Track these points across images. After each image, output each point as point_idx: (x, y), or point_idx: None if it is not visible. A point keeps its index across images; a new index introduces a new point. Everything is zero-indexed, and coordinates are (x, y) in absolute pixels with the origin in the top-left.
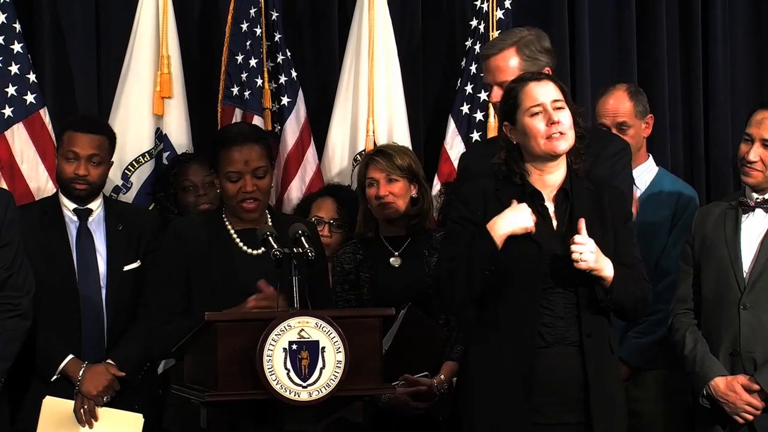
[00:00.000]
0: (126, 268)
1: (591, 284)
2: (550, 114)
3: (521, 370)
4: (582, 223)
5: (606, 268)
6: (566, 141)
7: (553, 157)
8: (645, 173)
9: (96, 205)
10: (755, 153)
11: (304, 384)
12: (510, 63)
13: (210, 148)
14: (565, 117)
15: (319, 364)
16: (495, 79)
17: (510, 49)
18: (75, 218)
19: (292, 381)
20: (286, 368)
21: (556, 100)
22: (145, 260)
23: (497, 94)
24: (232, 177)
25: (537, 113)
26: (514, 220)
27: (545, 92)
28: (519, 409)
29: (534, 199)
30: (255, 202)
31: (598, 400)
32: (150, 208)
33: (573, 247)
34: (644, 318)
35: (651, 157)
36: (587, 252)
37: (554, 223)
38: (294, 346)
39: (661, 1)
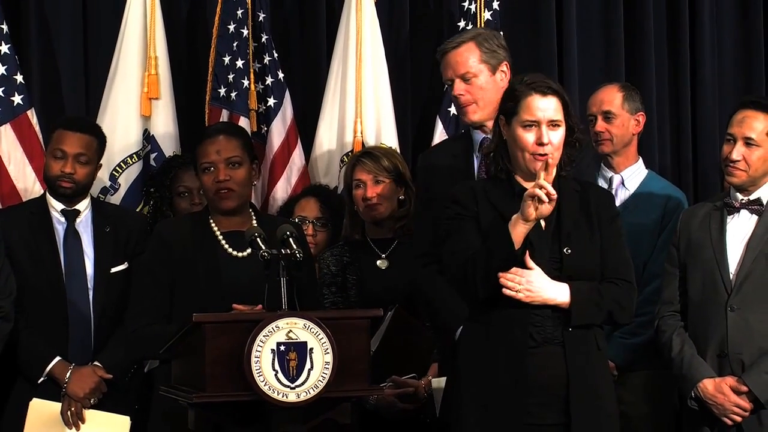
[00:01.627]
0: (113, 270)
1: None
2: (541, 133)
3: (512, 370)
4: (527, 256)
5: (558, 297)
6: (549, 163)
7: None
8: (634, 175)
9: (83, 207)
10: (738, 152)
11: (292, 385)
12: (469, 54)
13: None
14: (556, 137)
15: (307, 366)
16: (456, 73)
17: (469, 42)
18: (63, 219)
19: (280, 382)
20: (274, 369)
21: (552, 120)
22: (133, 262)
23: (459, 87)
24: (206, 168)
25: (530, 127)
26: (524, 220)
27: (545, 109)
28: (509, 409)
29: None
30: (229, 192)
31: (578, 398)
32: (139, 207)
33: (502, 281)
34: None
35: (641, 160)
36: (524, 289)
37: (542, 223)
38: (282, 348)
39: (649, 4)
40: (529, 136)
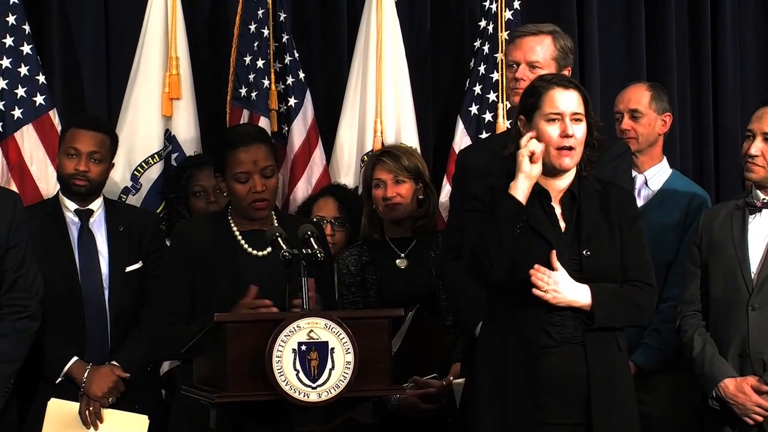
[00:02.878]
0: (128, 269)
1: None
2: (566, 125)
3: (528, 369)
4: (554, 256)
5: (581, 299)
6: (573, 158)
7: (559, 171)
8: (658, 175)
9: (97, 206)
10: (756, 147)
11: (314, 385)
12: (545, 47)
13: (215, 151)
14: (579, 131)
15: (329, 365)
16: (526, 58)
17: (548, 35)
18: (76, 219)
19: (302, 382)
20: (295, 369)
21: (575, 113)
22: (147, 261)
23: (524, 71)
24: (241, 178)
25: (554, 120)
26: (525, 176)
27: (568, 101)
28: (525, 408)
29: (541, 199)
30: (264, 202)
31: (599, 397)
32: (160, 208)
33: (533, 279)
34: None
35: (665, 159)
36: (552, 290)
37: (561, 224)
38: (303, 347)
39: (671, 5)
40: (553, 130)
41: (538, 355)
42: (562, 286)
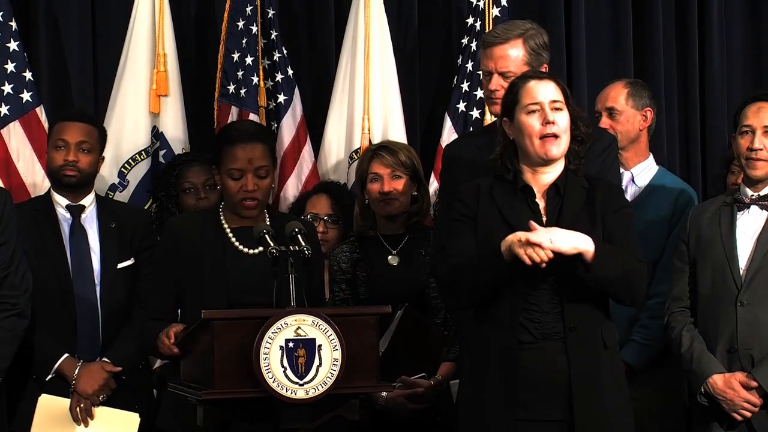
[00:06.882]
0: (120, 265)
1: (573, 277)
2: (546, 113)
3: (505, 365)
4: (532, 223)
5: (582, 243)
6: (558, 146)
7: (546, 161)
8: (645, 171)
9: (88, 202)
10: (760, 141)
11: (301, 382)
12: (515, 53)
13: (213, 145)
14: (561, 119)
15: (316, 362)
16: (497, 67)
17: (517, 39)
18: (68, 215)
19: (289, 379)
20: (282, 366)
21: (554, 101)
22: (139, 258)
23: (497, 82)
24: (234, 174)
25: (533, 111)
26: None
27: (545, 91)
28: (501, 404)
29: (525, 195)
30: (254, 202)
31: (581, 394)
32: (147, 205)
33: (530, 252)
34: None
35: (651, 156)
36: (547, 242)
37: (544, 218)
38: (291, 344)
39: (658, 1)
40: (534, 121)
41: (516, 350)
42: (557, 234)
